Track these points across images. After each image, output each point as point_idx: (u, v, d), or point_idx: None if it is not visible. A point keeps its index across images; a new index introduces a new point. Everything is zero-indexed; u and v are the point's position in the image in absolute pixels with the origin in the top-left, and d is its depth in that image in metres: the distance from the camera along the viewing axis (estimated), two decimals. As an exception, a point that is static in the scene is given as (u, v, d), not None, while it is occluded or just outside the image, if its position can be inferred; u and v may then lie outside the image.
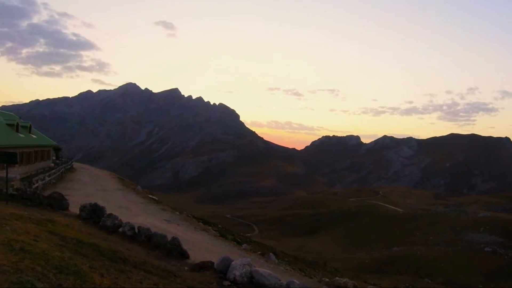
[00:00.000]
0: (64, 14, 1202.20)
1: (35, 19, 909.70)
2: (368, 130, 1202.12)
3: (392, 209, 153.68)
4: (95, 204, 19.64)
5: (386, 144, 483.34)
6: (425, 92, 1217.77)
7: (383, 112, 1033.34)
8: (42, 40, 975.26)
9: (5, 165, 21.95)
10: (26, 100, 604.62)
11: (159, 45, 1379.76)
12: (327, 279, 24.08)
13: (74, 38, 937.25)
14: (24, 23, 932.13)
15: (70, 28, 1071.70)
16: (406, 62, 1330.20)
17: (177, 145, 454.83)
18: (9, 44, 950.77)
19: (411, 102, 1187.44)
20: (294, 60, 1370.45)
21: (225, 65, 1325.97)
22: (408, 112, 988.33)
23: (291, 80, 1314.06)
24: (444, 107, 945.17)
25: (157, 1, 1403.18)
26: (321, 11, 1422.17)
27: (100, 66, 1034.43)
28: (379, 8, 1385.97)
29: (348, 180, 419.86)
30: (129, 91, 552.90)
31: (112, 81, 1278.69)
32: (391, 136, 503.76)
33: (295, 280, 12.30)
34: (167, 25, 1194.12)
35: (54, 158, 73.99)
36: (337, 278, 18.78)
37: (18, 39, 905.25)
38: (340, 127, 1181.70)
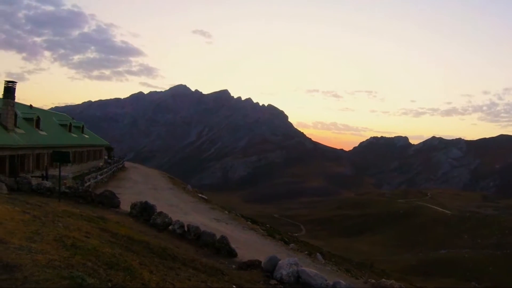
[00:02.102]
0: (111, 25, 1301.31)
1: (85, 29, 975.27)
2: (411, 131, 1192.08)
3: (440, 211, 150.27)
4: (146, 202, 19.91)
5: (435, 145, 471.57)
6: (463, 93, 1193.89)
7: (423, 113, 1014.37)
8: (93, 47, 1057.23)
9: (58, 164, 22.48)
10: (79, 101, 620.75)
11: (199, 51, 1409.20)
12: (373, 281, 23.67)
13: (123, 45, 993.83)
14: (75, 32, 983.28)
15: (118, 37, 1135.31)
16: (442, 62, 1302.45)
17: (227, 145, 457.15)
18: (61, 51, 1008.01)
19: (450, 103, 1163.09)
20: (331, 61, 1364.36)
21: (265, 68, 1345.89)
22: (448, 113, 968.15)
23: (329, 81, 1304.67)
24: (484, 108, 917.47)
25: (193, 13, 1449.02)
26: (350, 12, 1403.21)
27: (148, 71, 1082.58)
28: (413, 10, 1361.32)
29: (396, 181, 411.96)
30: (180, 92, 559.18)
31: (158, 84, 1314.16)
32: (440, 137, 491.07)
33: (341, 281, 12.22)
34: (204, 34, 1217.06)
35: (106, 157, 75.43)
36: (383, 279, 18.49)
37: (69, 47, 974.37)
38: (383, 127, 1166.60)
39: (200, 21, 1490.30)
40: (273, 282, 11.84)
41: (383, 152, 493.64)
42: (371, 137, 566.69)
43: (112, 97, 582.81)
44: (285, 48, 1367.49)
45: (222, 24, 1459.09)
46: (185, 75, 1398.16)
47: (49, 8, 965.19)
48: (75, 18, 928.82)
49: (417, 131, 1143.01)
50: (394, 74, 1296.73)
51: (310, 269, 12.40)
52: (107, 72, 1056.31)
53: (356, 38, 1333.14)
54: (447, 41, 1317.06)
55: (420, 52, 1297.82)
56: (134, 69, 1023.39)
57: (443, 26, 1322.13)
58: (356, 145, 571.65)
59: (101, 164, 63.25)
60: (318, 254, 33.15)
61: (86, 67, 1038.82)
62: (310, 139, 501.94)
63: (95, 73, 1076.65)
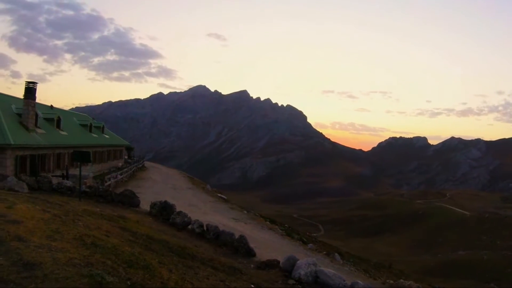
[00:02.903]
0: (129, 29, 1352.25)
1: (105, 32, 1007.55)
2: (428, 132, 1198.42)
3: (459, 212, 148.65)
4: (165, 202, 19.98)
5: (454, 145, 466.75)
6: (477, 93, 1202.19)
7: (439, 113, 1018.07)
8: (112, 50, 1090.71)
9: (79, 163, 22.65)
10: (99, 102, 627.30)
11: (215, 53, 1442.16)
12: (391, 281, 23.60)
13: (142, 48, 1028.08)
14: (95, 36, 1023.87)
15: (137, 40, 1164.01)
16: (455, 63, 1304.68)
17: (246, 145, 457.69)
18: (81, 54, 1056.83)
19: (465, 103, 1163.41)
20: (345, 62, 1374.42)
21: (280, 69, 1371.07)
22: (464, 113, 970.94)
23: (344, 82, 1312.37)
24: (500, 108, 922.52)
25: (207, 17, 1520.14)
26: (364, 13, 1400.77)
27: (166, 72, 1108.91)
28: (427, 10, 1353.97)
29: (415, 181, 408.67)
30: (199, 93, 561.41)
31: (177, 85, 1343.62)
32: (459, 138, 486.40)
33: (359, 281, 12.13)
34: (219, 37, 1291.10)
35: (126, 157, 75.96)
36: (401, 280, 18.40)
37: (89, 49, 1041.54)
38: (400, 128, 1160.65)
39: (214, 24, 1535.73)
40: (291, 282, 11.80)
41: (402, 153, 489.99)
42: (390, 138, 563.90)
43: (132, 97, 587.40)
44: (300, 49, 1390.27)
45: (236, 27, 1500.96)
46: (203, 76, 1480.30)
47: (69, 12, 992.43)
48: (94, 22, 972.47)
49: (433, 132, 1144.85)
50: (408, 75, 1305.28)
51: (328, 269, 12.33)
52: (126, 73, 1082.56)
53: (369, 39, 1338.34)
54: (460, 41, 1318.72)
55: (433, 52, 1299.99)
56: (153, 70, 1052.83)
57: (454, 26, 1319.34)
58: (374, 145, 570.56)
59: (120, 164, 63.68)
60: (336, 254, 33.04)
61: (105, 69, 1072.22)
62: (329, 139, 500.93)
63: (115, 74, 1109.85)
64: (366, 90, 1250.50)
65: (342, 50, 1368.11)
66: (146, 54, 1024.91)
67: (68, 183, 22.75)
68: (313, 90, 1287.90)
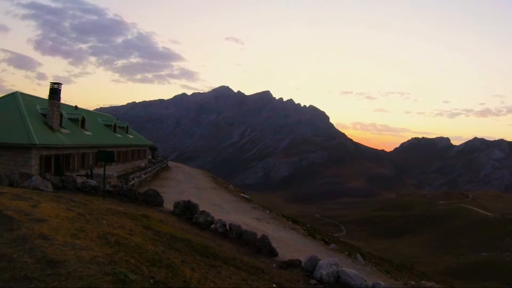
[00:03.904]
0: (152, 33, 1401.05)
1: (129, 36, 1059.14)
2: (449, 132, 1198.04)
3: (481, 213, 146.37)
4: (189, 201, 20.03)
5: (477, 146, 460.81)
6: (494, 93, 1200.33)
7: (458, 114, 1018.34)
8: (136, 53, 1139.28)
9: (103, 163, 22.81)
10: (123, 102, 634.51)
11: (234, 55, 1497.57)
12: (413, 282, 23.25)
13: (165, 51, 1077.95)
14: (119, 39, 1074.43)
15: (160, 43, 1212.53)
16: (472, 63, 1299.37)
17: (269, 145, 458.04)
18: (106, 57, 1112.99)
19: (483, 104, 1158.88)
20: (362, 63, 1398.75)
21: (299, 70, 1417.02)
22: (483, 113, 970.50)
23: (362, 83, 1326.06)
24: None
25: (225, 21, 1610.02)
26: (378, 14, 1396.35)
27: (189, 74, 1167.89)
28: (444, 10, 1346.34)
29: (437, 182, 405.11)
30: (222, 94, 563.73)
31: (198, 87, 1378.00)
32: (482, 138, 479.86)
33: (381, 282, 12.08)
34: (237, 41, 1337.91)
35: (150, 157, 76.43)
36: (423, 281, 18.12)
37: (113, 52, 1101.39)
38: (420, 128, 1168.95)
39: (232, 29, 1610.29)
40: (313, 281, 11.77)
41: (425, 153, 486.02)
42: (412, 138, 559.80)
43: (156, 98, 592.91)
44: (317, 50, 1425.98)
45: (253, 31, 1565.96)
46: (224, 78, 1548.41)
47: (93, 17, 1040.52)
48: (117, 26, 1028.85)
49: (454, 132, 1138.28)
50: (425, 75, 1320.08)
51: (350, 270, 12.28)
52: (149, 75, 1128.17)
53: (385, 40, 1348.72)
54: (476, 42, 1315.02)
55: (450, 53, 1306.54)
56: (175, 72, 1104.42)
57: (470, 26, 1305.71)
58: (396, 145, 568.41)
59: (143, 164, 64.11)
60: (358, 254, 32.76)
61: (129, 71, 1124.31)
62: (351, 139, 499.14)
63: (138, 76, 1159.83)
64: (384, 91, 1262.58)
65: (358, 52, 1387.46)
66: (169, 57, 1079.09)
67: (93, 182, 22.91)
68: (332, 91, 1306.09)
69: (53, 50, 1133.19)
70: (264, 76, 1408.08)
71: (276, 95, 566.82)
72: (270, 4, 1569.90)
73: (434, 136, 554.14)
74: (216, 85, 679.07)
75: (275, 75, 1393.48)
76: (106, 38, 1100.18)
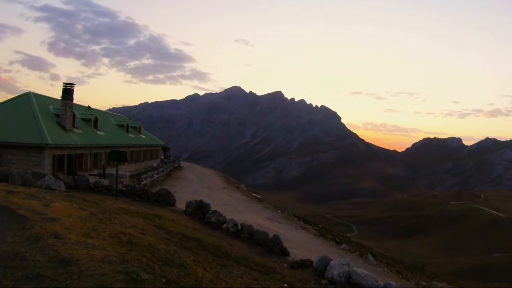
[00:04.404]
0: (163, 35, 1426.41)
1: (141, 38, 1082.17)
2: (460, 132, 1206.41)
3: (493, 213, 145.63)
4: (201, 201, 20.09)
5: (489, 146, 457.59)
6: (503, 94, 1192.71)
7: (468, 114, 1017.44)
8: (148, 54, 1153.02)
9: (115, 163, 22.90)
10: (136, 103, 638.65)
11: (245, 57, 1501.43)
12: (424, 283, 23.22)
13: (176, 52, 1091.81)
14: (131, 41, 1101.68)
15: (172, 45, 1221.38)
16: (481, 63, 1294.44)
17: (280, 146, 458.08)
18: (118, 58, 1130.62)
19: (492, 104, 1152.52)
20: (371, 63, 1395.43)
21: (308, 70, 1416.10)
22: (493, 114, 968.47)
23: (371, 83, 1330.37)
24: None
25: (234, 24, 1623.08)
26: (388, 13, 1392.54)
27: (200, 75, 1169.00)
28: (452, 10, 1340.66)
29: (449, 183, 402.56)
30: (234, 94, 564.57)
31: (209, 88, 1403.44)
32: (494, 139, 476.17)
33: (392, 282, 12.14)
34: (247, 43, 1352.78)
35: (162, 157, 76.61)
36: (434, 282, 18.05)
37: (126, 54, 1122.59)
38: (431, 128, 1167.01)
39: (241, 30, 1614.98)
40: (324, 281, 11.81)
41: (436, 153, 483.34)
42: (424, 138, 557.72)
43: (168, 98, 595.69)
44: (325, 51, 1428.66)
45: (261, 33, 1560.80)
46: (235, 79, 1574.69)
47: (105, 20, 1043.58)
48: (129, 28, 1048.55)
49: (464, 132, 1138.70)
50: (434, 76, 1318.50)
51: (361, 270, 12.28)
52: (161, 76, 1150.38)
53: (394, 40, 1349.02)
54: (486, 41, 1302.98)
55: (458, 53, 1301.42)
56: (187, 73, 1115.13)
57: (479, 26, 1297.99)
58: (408, 146, 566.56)
59: (155, 164, 64.28)
60: (369, 255, 32.64)
61: (141, 72, 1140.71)
62: (363, 140, 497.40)
63: (150, 77, 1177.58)
64: (394, 91, 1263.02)
65: (367, 52, 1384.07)
66: (180, 58, 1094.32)
67: (105, 182, 23.01)
68: (341, 92, 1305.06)
69: (66, 52, 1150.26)
70: (274, 77, 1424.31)
71: (287, 95, 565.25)
72: (277, 6, 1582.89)
73: (445, 137, 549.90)
74: (227, 86, 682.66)
75: (285, 76, 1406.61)
76: (119, 40, 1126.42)
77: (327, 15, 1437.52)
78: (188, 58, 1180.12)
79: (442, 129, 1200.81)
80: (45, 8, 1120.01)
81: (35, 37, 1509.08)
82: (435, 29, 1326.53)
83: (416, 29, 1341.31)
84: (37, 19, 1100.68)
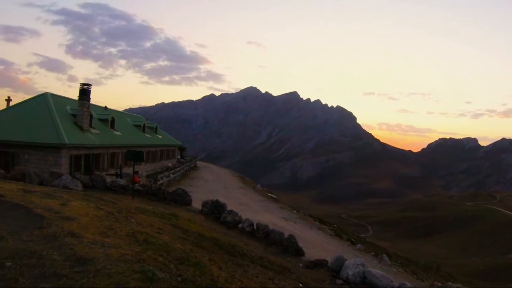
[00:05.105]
0: (178, 38, 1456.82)
1: (157, 40, 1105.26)
2: (475, 132, 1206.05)
3: (509, 214, 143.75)
4: (217, 201, 20.13)
5: (505, 147, 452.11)
6: None
7: (481, 114, 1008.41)
8: (164, 56, 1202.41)
9: (132, 162, 23.01)
10: (152, 103, 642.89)
11: (258, 58, 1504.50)
12: (439, 284, 23.01)
13: (192, 54, 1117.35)
14: (147, 44, 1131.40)
15: (187, 47, 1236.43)
16: (493, 63, 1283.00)
17: (296, 146, 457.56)
18: (135, 60, 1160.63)
19: (505, 104, 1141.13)
20: (384, 64, 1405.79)
21: (321, 71, 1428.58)
22: (506, 114, 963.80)
23: (383, 84, 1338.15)
24: None
25: (246, 26, 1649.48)
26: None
27: (216, 77, 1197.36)
28: (463, 10, 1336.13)
29: (464, 183, 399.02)
30: (250, 94, 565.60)
31: (225, 88, 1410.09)
32: (510, 139, 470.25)
33: (407, 283, 12.17)
34: (259, 45, 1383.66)
35: (178, 157, 76.87)
36: (449, 283, 17.97)
37: (142, 56, 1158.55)
38: (445, 128, 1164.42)
39: (253, 33, 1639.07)
40: (339, 281, 11.83)
41: (452, 154, 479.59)
42: (439, 139, 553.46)
43: (184, 99, 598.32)
44: (337, 51, 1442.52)
45: (273, 35, 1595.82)
46: (249, 80, 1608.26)
47: (122, 23, 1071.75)
48: (145, 31, 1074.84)
49: (478, 133, 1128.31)
50: (446, 76, 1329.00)
51: (376, 270, 12.32)
52: (177, 77, 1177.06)
53: (406, 41, 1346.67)
54: (497, 41, 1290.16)
55: (469, 54, 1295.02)
56: (202, 75, 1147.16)
57: (488, 27, 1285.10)
58: (423, 146, 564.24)
59: (170, 164, 64.49)
60: (384, 255, 32.47)
61: (157, 73, 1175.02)
62: (379, 140, 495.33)
63: (166, 78, 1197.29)
64: (406, 91, 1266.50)
65: (378, 53, 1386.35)
66: (196, 60, 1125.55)
67: (122, 181, 23.13)
68: (353, 92, 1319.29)
69: (84, 54, 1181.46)
70: (288, 78, 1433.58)
71: (302, 95, 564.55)
72: (287, 8, 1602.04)
73: (459, 137, 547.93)
74: (242, 87, 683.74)
75: (299, 77, 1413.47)
76: (135, 43, 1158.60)
77: (337, 16, 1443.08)
78: (203, 60, 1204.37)
79: (457, 129, 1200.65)
80: (63, 12, 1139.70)
81: (53, 40, 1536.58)
82: (445, 30, 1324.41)
83: (426, 30, 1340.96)
84: (54, 22, 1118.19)
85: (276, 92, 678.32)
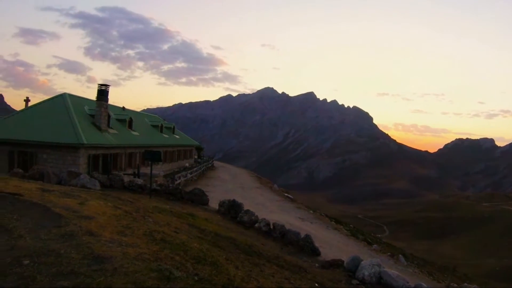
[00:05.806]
0: (195, 40, 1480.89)
1: (174, 43, 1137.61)
2: (489, 133, 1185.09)
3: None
4: (234, 201, 20.16)
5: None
6: None
7: (495, 115, 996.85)
8: (181, 58, 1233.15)
9: (150, 162, 23.13)
10: (170, 103, 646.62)
11: (272, 60, 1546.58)
12: (455, 285, 22.82)
13: (209, 56, 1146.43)
14: (164, 46, 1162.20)
15: (204, 50, 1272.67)
16: (505, 63, 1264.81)
17: (312, 146, 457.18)
18: (152, 62, 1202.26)
19: None
20: (397, 65, 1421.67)
21: (335, 72, 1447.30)
22: None
23: (397, 84, 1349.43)
24: None
25: (260, 29, 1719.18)
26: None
27: (232, 78, 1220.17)
28: (475, 11, 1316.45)
29: (481, 184, 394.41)
30: (267, 95, 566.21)
31: (241, 89, 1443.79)
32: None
33: (423, 283, 12.19)
34: (273, 47, 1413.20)
35: (196, 157, 77.12)
36: (465, 284, 17.82)
37: (159, 58, 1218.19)
38: (461, 129, 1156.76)
39: (267, 35, 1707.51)
40: (355, 282, 11.84)
41: (469, 154, 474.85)
42: (456, 139, 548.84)
43: (201, 100, 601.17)
44: (350, 52, 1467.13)
45: (286, 36, 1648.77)
46: (264, 81, 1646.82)
47: (139, 26, 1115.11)
48: (162, 34, 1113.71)
49: (493, 133, 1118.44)
50: (459, 77, 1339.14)
51: (392, 271, 12.30)
52: (194, 78, 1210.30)
53: (419, 41, 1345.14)
54: (504, 43, 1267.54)
55: (481, 55, 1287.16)
56: (218, 76, 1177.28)
57: (501, 28, 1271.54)
58: (439, 146, 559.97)
59: (187, 164, 64.68)
60: (400, 255, 32.28)
61: (175, 74, 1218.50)
62: (395, 140, 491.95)
63: (183, 79, 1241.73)
64: (420, 92, 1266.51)
65: (392, 53, 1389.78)
66: (212, 61, 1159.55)
67: (139, 181, 23.23)
68: (367, 93, 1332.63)
69: (102, 56, 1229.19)
70: (302, 78, 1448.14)
71: (319, 96, 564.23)
72: (299, 9, 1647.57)
73: (475, 137, 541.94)
74: (257, 88, 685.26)
75: (313, 77, 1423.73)
76: (152, 45, 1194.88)
77: (349, 16, 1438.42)
78: (219, 62, 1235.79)
79: (472, 129, 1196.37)
80: (81, 15, 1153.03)
81: (72, 42, 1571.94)
82: (457, 30, 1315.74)
83: (438, 31, 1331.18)
84: (73, 26, 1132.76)
85: (292, 92, 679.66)
